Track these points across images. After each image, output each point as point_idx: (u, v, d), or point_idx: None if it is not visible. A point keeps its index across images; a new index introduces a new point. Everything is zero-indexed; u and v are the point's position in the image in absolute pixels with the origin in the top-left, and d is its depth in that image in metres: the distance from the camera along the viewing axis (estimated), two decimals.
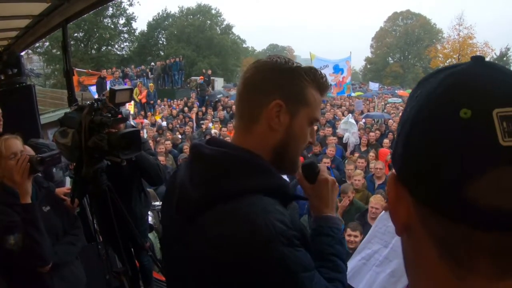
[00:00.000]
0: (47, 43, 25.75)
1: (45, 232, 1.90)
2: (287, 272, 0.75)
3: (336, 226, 0.99)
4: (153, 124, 11.12)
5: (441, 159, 0.33)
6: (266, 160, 0.86)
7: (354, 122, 8.66)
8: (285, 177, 1.09)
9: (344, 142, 8.30)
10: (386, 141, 7.88)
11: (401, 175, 0.38)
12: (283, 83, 0.86)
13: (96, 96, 6.26)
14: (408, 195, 0.37)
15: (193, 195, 0.81)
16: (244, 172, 0.81)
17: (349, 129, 8.33)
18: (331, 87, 0.90)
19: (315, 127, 0.97)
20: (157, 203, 4.28)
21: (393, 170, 0.41)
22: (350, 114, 9.40)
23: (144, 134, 8.67)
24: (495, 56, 32.34)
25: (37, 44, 22.16)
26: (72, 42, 27.62)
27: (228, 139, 7.36)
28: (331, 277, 0.90)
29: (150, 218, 3.68)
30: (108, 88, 2.46)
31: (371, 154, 6.91)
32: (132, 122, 9.47)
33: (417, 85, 0.41)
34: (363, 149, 7.86)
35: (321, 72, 0.91)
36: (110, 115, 1.83)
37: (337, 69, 15.91)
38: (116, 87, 1.91)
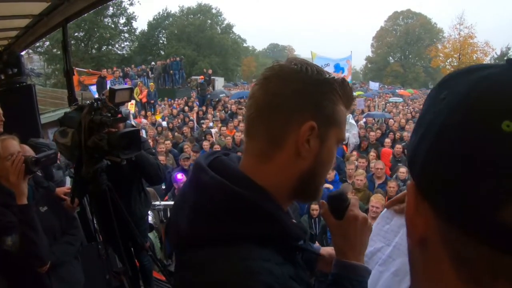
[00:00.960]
0: (47, 43, 25.76)
1: (42, 233, 1.90)
2: None
3: (357, 278, 0.82)
4: (153, 124, 11.13)
5: (476, 174, 0.30)
6: (284, 192, 0.72)
7: (355, 123, 8.61)
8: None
9: (344, 142, 8.28)
10: (387, 140, 7.88)
11: (422, 185, 0.35)
12: (317, 100, 0.69)
13: (96, 96, 6.26)
14: (428, 208, 0.34)
15: (181, 226, 0.69)
16: (239, 215, 0.65)
17: (349, 129, 8.29)
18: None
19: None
20: (157, 202, 4.28)
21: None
22: (351, 115, 9.32)
23: (143, 133, 8.67)
24: (495, 56, 32.32)
25: (37, 44, 22.17)
26: (72, 42, 27.62)
27: (229, 138, 7.32)
28: None
29: (150, 218, 3.68)
30: (108, 88, 2.46)
31: (372, 153, 6.92)
32: (132, 121, 9.49)
33: (441, 84, 0.37)
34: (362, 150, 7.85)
35: (348, 83, 0.75)
36: (110, 114, 1.82)
37: (338, 68, 15.88)
38: (116, 87, 1.90)
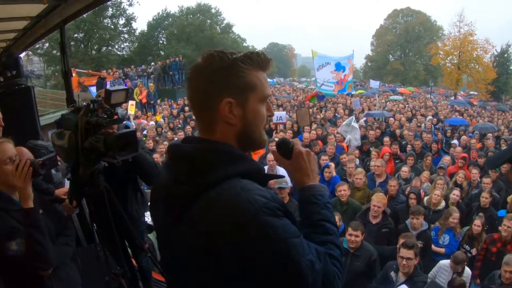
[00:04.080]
0: (47, 44, 25.76)
1: (48, 235, 1.89)
2: (277, 239, 0.82)
3: (319, 193, 1.04)
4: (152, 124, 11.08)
5: None
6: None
7: (357, 127, 8.30)
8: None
9: (346, 145, 7.98)
10: (386, 139, 7.85)
11: None
12: (227, 80, 0.91)
13: None
14: None
15: (179, 193, 0.89)
16: (226, 162, 0.89)
17: (351, 132, 8.07)
18: (271, 60, 0.99)
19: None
20: None
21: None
22: (354, 118, 8.92)
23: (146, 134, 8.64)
24: (496, 53, 32.21)
25: (37, 45, 22.17)
26: (72, 43, 27.67)
27: None
28: (323, 240, 0.96)
29: (149, 219, 3.66)
30: (104, 89, 2.43)
31: (373, 152, 6.89)
32: (132, 122, 9.47)
33: None
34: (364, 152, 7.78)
35: (257, 52, 0.96)
36: (106, 116, 1.81)
37: (339, 67, 15.84)
38: (111, 88, 1.89)
